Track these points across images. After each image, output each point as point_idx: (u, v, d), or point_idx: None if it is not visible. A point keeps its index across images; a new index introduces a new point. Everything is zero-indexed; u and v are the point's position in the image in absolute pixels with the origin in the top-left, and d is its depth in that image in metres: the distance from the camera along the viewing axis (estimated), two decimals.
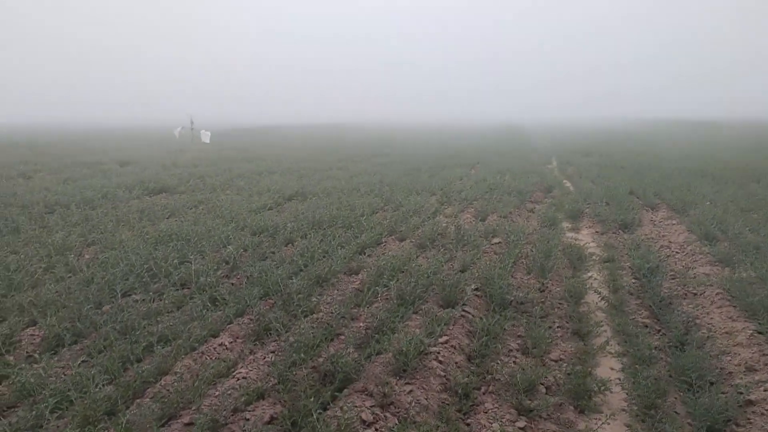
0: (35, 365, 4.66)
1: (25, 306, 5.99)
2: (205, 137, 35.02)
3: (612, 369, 5.46)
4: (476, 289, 7.08)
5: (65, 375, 4.56)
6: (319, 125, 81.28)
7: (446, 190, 15.03)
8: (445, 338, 5.56)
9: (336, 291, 7.03)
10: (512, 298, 6.85)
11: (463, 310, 6.36)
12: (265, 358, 5.10)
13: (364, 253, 8.72)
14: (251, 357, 5.11)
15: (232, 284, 7.11)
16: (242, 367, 4.91)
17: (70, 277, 7.19)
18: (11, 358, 4.94)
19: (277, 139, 41.99)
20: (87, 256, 8.29)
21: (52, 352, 5.12)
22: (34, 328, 5.63)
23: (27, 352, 5.10)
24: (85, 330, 5.49)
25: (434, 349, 5.29)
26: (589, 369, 5.31)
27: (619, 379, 5.19)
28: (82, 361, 4.86)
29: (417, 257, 8.55)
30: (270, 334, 5.64)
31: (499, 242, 9.75)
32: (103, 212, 11.30)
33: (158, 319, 5.86)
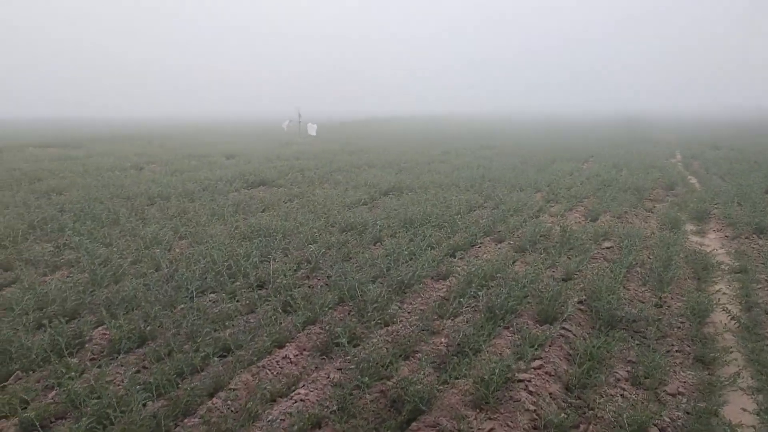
0: (85, 375, 4.47)
1: (100, 303, 5.92)
2: (312, 130, 35.53)
3: (744, 410, 4.48)
4: (580, 303, 6.21)
5: (114, 386, 4.32)
6: (420, 117, 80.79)
7: (553, 186, 13.96)
8: (538, 362, 4.81)
9: (419, 299, 6.42)
10: (623, 315, 5.91)
11: (563, 328, 5.54)
12: (329, 376, 4.62)
13: (455, 256, 8.04)
14: (315, 374, 4.64)
15: (309, 287, 6.73)
16: (303, 386, 4.45)
17: (153, 272, 7.13)
18: (75, 360, 4.80)
19: (381, 132, 41.95)
20: (177, 250, 8.27)
21: (113, 357, 4.94)
22: (104, 327, 5.52)
23: (92, 354, 4.96)
24: (151, 333, 5.29)
25: (524, 375, 4.56)
26: (715, 408, 4.38)
27: (755, 427, 4.23)
28: (136, 372, 4.61)
29: (514, 262, 7.77)
30: (339, 346, 5.17)
31: (611, 247, 8.70)
32: (200, 205, 11.41)
33: (226, 323, 5.56)
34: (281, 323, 5.55)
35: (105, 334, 5.36)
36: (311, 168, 18.25)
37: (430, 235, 8.72)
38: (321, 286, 6.70)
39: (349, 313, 5.91)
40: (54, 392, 4.31)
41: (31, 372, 4.58)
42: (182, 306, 5.96)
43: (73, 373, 4.27)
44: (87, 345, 5.15)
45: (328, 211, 10.83)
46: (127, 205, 11.00)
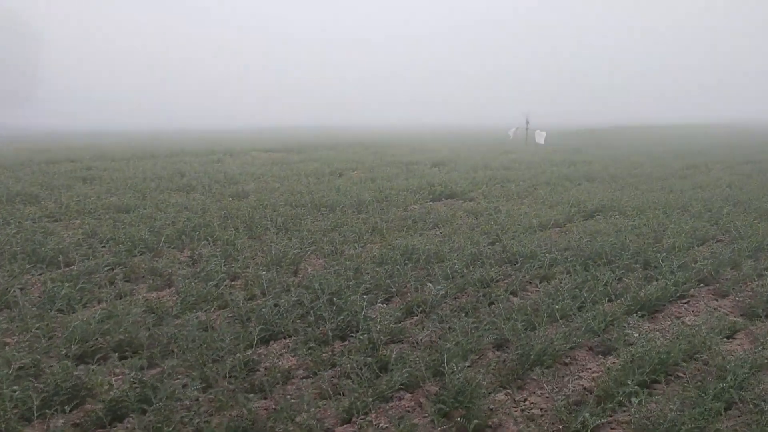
0: None
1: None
2: (540, 138, 33.13)
3: None
4: None
5: None
6: (667, 125, 71.30)
7: None
8: None
9: (544, 391, 4.39)
10: None
11: None
12: None
13: (646, 315, 5.72)
14: None
15: (402, 341, 5.16)
16: None
17: (280, 294, 6.16)
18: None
19: (617, 141, 37.53)
20: (310, 270, 7.34)
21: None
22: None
23: None
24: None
25: None
26: None
27: None
28: None
29: (731, 336, 5.24)
30: None
31: None
32: (364, 218, 10.47)
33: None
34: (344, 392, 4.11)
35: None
36: (516, 180, 16.36)
37: (612, 279, 6.46)
38: (417, 342, 5.07)
39: (418, 407, 4.16)
40: None
41: None
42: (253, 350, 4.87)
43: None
44: None
45: (504, 233, 9.06)
46: (289, 214, 10.50)
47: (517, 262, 7.44)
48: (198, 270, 6.87)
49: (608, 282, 6.34)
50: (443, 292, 6.07)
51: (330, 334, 5.13)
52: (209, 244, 8.36)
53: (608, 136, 43.79)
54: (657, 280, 6.66)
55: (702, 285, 6.72)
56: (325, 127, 77.51)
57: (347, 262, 7.38)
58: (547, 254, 7.41)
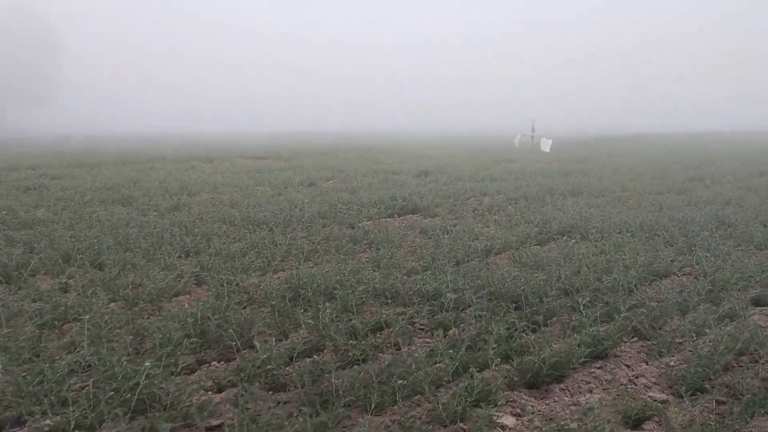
0: None
1: None
2: (545, 146, 31.69)
3: None
4: None
5: None
6: (681, 134, 68.62)
7: None
8: None
9: None
10: None
11: None
12: None
13: (538, 387, 4.43)
14: None
15: None
16: None
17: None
18: None
19: (630, 149, 35.75)
20: (174, 309, 6.23)
21: None
22: None
23: None
24: None
25: None
26: None
27: None
28: None
29: (645, 423, 3.97)
30: None
31: None
32: (298, 235, 9.36)
33: None
34: None
35: None
36: (495, 193, 15.10)
37: (499, 338, 5.19)
38: None
39: None
40: None
41: None
42: None
43: None
44: None
45: (434, 262, 7.87)
46: (207, 232, 9.41)
47: (414, 303, 6.22)
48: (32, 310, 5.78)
49: (502, 338, 5.05)
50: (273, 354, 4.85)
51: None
52: (87, 271, 7.31)
53: (621, 144, 41.99)
54: (575, 332, 5.38)
55: (635, 339, 5.42)
56: (342, 133, 76.42)
57: (220, 300, 6.26)
58: (455, 293, 6.17)
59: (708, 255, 7.70)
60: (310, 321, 5.32)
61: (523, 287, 6.20)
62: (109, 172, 17.75)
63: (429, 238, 9.93)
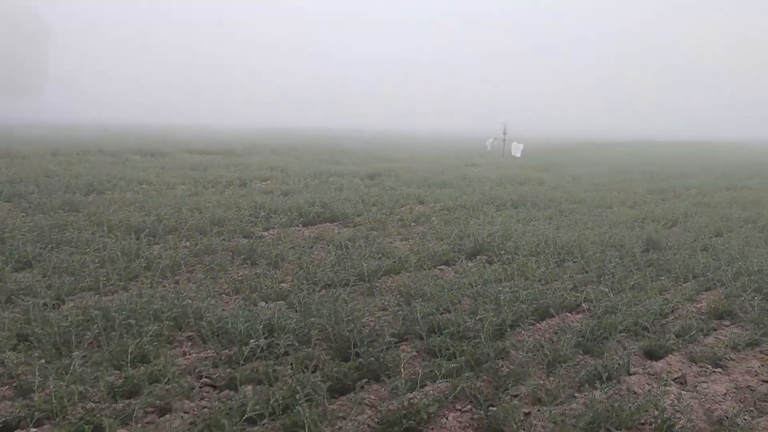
0: None
1: None
2: (516, 150, 30.61)
3: None
4: None
5: None
6: (673, 142, 67.76)
7: None
8: None
9: None
10: None
11: None
12: None
13: None
14: None
15: None
16: None
17: None
18: None
19: (608, 157, 34.68)
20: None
21: None
22: None
23: None
24: None
25: None
26: None
27: None
28: None
29: None
30: None
31: None
32: (169, 246, 8.21)
33: None
34: None
35: None
36: (432, 201, 14.00)
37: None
38: None
39: None
40: None
41: None
42: None
43: None
44: None
45: (290, 293, 6.76)
46: (62, 239, 8.22)
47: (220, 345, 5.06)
48: None
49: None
50: None
51: None
52: None
53: (602, 151, 41.01)
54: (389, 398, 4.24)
55: (468, 407, 4.29)
56: (335, 132, 74.91)
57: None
58: (274, 335, 5.02)
59: (606, 290, 6.56)
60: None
61: (359, 330, 5.06)
62: (31, 163, 16.50)
63: (328, 253, 8.82)
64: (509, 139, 31.74)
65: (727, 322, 6.13)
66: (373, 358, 4.66)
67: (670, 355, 5.14)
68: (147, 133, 46.02)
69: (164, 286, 6.63)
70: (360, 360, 4.69)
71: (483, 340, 5.09)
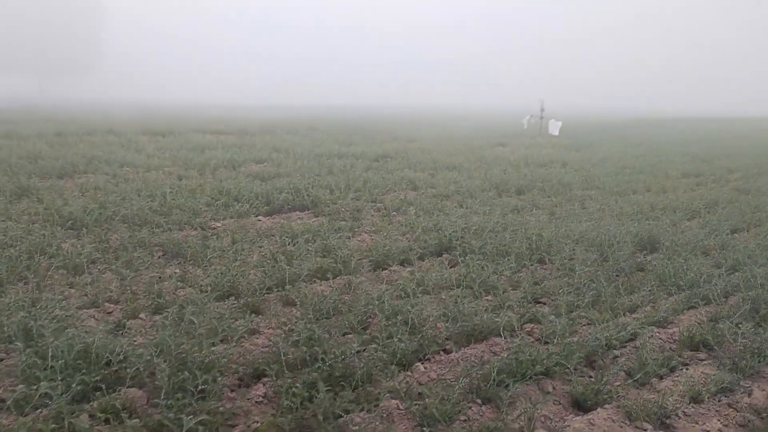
0: None
1: None
2: (554, 128, 28.70)
3: None
4: None
5: None
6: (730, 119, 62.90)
7: None
8: None
9: None
10: None
11: None
12: None
13: None
14: None
15: None
16: None
17: None
18: None
19: (655, 135, 32.17)
20: None
21: None
22: None
23: None
24: None
25: None
26: None
27: None
28: None
29: None
30: None
31: None
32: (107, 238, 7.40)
33: None
34: None
35: None
36: (435, 186, 12.80)
37: None
38: None
39: None
40: None
41: None
42: None
43: None
44: None
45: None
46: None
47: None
48: None
49: None
50: None
51: None
52: None
53: (649, 129, 38.27)
54: None
55: None
56: (369, 110, 73.70)
57: None
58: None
59: (553, 318, 5.26)
60: None
61: (199, 365, 4.03)
62: (14, 145, 16.05)
63: (279, 246, 7.87)
64: (546, 117, 29.83)
65: (702, 356, 4.80)
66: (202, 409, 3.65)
67: (600, 408, 3.91)
68: (187, 112, 45.95)
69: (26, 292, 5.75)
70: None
71: (357, 382, 3.99)
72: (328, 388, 3.88)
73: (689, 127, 41.77)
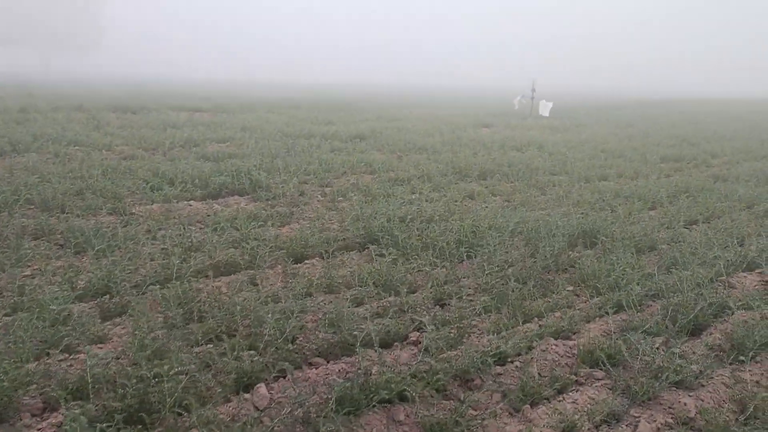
0: None
1: None
2: (545, 109, 27.90)
3: None
4: None
5: None
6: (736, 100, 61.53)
7: None
8: None
9: None
10: None
11: None
12: None
13: None
14: None
15: None
16: None
17: None
18: None
19: (654, 115, 31.23)
20: None
21: None
22: None
23: None
24: None
25: None
26: None
27: None
28: None
29: None
30: None
31: None
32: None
33: None
34: None
35: None
36: (392, 169, 12.19)
37: None
38: None
39: None
40: None
41: None
42: None
43: None
44: None
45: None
46: None
47: None
48: None
49: None
50: None
51: None
52: None
53: (645, 110, 37.25)
54: None
55: None
56: (373, 88, 72.57)
57: None
58: None
59: (424, 319, 4.64)
60: None
61: None
62: None
63: (181, 235, 7.30)
64: (538, 97, 28.98)
65: (600, 374, 4.21)
66: None
67: None
68: (177, 89, 45.23)
69: None
70: None
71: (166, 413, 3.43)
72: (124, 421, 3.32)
73: (692, 109, 40.66)
